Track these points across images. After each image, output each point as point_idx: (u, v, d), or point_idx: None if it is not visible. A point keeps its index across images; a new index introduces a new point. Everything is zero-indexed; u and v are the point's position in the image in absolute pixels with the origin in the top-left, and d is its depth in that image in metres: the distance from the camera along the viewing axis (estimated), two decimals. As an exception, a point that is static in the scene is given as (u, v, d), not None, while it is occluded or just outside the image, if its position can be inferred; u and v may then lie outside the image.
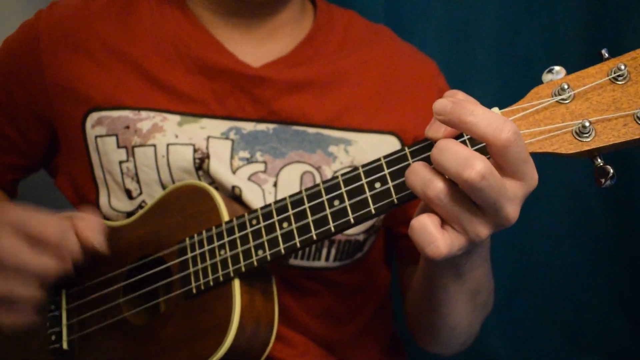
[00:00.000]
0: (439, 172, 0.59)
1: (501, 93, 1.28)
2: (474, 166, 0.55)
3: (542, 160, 0.61)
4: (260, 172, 0.90)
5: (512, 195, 0.59)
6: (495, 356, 1.35)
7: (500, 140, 0.55)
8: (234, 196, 0.88)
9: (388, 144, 0.95)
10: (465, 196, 0.59)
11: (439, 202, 0.59)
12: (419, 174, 0.60)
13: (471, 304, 0.87)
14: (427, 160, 0.63)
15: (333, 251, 0.92)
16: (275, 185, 0.90)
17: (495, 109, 0.60)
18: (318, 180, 0.91)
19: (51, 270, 0.75)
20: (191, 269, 0.79)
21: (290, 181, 0.91)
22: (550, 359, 1.35)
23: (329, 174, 0.91)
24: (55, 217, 0.76)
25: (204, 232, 0.80)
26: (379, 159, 0.67)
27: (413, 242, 0.61)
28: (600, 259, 1.33)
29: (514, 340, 1.36)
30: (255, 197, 0.88)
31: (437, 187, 0.58)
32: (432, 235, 0.60)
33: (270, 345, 0.81)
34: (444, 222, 0.61)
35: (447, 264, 0.76)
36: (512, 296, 1.35)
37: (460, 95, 0.62)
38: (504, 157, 0.57)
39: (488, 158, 0.57)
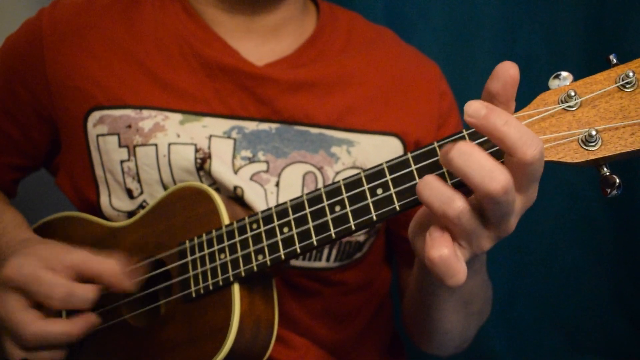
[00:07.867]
0: (453, 186, 0.58)
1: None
2: (499, 180, 0.54)
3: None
4: (263, 172, 0.90)
5: (517, 209, 0.59)
6: (495, 356, 1.35)
7: (527, 156, 0.54)
8: (235, 197, 0.87)
9: (390, 146, 0.95)
10: (478, 212, 0.58)
11: (457, 222, 0.57)
12: (435, 190, 0.57)
13: (463, 312, 0.87)
14: (431, 166, 0.63)
15: (334, 252, 0.92)
16: (277, 185, 0.90)
17: None
18: (320, 181, 0.91)
19: (76, 334, 0.76)
20: (191, 273, 0.79)
21: (293, 181, 0.90)
22: (550, 359, 1.35)
23: (331, 175, 0.91)
24: (60, 281, 0.74)
25: (204, 234, 0.79)
26: (380, 165, 0.66)
27: (432, 273, 0.59)
28: (600, 259, 1.32)
29: (514, 341, 1.36)
30: (257, 197, 0.88)
31: (458, 207, 0.56)
32: (455, 267, 0.58)
33: (270, 348, 0.81)
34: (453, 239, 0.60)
35: None
36: (512, 296, 1.35)
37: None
38: (522, 172, 0.56)
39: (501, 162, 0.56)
